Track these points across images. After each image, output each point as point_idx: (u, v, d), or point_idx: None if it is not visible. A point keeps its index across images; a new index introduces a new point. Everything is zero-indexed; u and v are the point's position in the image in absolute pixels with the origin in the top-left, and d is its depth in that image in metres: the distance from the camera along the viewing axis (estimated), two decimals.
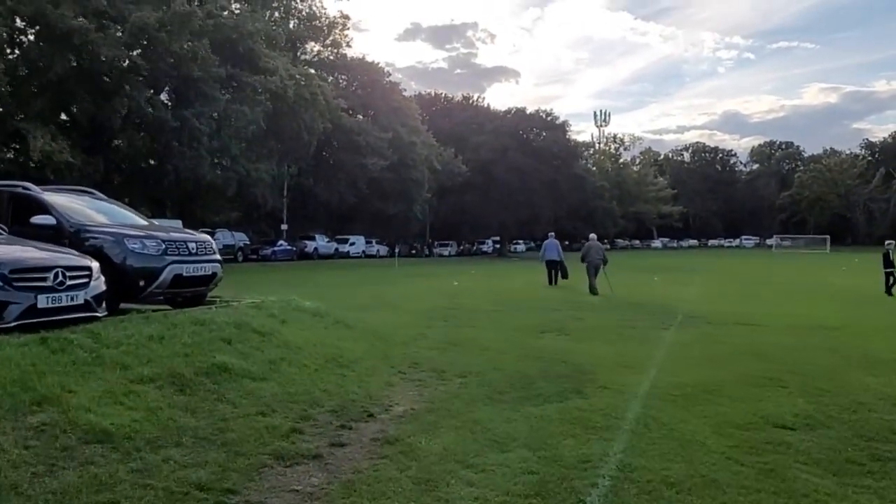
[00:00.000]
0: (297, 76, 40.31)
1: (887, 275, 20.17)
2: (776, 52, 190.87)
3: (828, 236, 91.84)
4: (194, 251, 9.04)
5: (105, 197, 10.63)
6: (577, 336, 10.75)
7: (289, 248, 47.04)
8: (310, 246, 49.61)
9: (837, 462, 4.73)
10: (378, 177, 51.62)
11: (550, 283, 22.63)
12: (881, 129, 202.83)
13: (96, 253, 7.88)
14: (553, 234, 24.60)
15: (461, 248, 73.99)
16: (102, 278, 7.31)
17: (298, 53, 51.37)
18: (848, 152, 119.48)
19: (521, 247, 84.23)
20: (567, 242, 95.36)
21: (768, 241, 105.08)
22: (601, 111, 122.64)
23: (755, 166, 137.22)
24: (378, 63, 56.69)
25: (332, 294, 18.43)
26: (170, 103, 35.45)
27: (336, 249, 52.76)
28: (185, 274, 8.79)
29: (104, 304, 7.37)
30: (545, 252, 23.36)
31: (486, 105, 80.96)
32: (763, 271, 35.98)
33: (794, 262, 53.31)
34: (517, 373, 7.68)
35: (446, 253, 68.09)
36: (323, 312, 10.07)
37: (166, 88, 36.06)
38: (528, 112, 75.37)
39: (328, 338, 8.64)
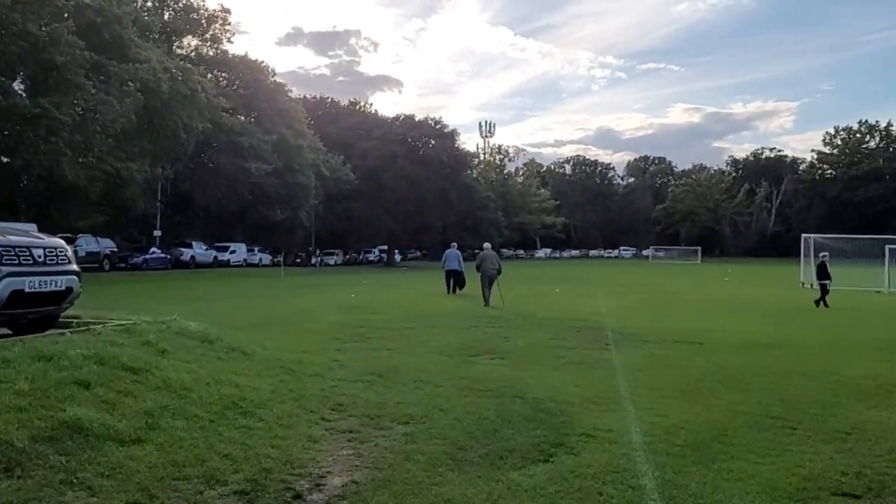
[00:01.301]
0: (174, 70, 37.10)
1: (822, 286, 20.30)
2: (645, 72, 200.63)
3: (699, 248, 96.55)
4: (41, 260, 6.89)
5: None
6: (514, 360, 9.32)
7: (162, 255, 43.29)
8: (186, 254, 45.98)
9: None
10: (262, 181, 48.69)
11: (449, 291, 22.16)
12: (738, 147, 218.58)
13: None
14: (455, 244, 24.50)
15: (347, 256, 71.64)
16: None
17: (174, 47, 47.75)
18: (715, 168, 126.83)
19: (397, 256, 79.82)
20: None
21: (645, 252, 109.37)
22: (486, 122, 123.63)
23: (631, 180, 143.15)
24: (261, 62, 53.72)
25: (217, 310, 16.19)
26: (24, 92, 31.48)
27: (215, 258, 49.27)
28: (27, 290, 6.64)
29: None
30: (446, 261, 22.74)
31: (373, 111, 79.43)
32: (654, 282, 36.29)
33: (675, 272, 54.93)
34: (470, 416, 6.12)
35: (332, 262, 65.72)
36: (213, 337, 8.09)
37: (21, 74, 31.99)
38: (416, 119, 74.39)
39: (223, 372, 6.74)
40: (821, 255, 21.92)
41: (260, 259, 56.20)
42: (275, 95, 53.03)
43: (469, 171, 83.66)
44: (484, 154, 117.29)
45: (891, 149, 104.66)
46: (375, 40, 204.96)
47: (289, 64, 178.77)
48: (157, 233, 45.41)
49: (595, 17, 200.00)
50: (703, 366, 8.94)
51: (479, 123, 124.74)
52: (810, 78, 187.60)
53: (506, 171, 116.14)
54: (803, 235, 33.83)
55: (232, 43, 51.23)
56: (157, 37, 45.80)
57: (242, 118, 50.53)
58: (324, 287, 27.35)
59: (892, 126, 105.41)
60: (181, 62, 42.27)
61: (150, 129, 37.57)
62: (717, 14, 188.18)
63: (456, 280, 22.30)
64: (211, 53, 50.37)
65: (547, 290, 27.07)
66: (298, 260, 61.22)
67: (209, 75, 50.60)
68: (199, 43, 49.81)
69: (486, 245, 21.68)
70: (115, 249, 39.77)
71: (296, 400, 6.37)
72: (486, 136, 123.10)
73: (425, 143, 73.59)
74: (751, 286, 32.54)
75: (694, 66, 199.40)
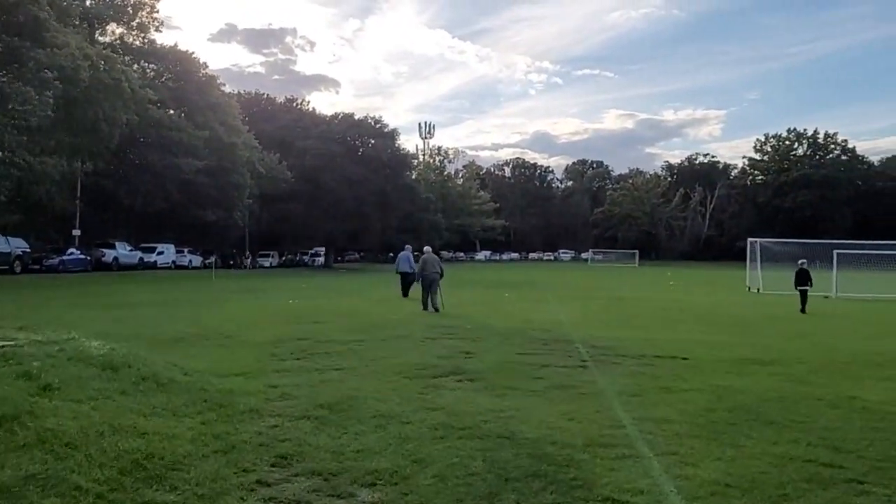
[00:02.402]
0: (95, 57, 34.45)
1: (802, 293, 20.56)
2: (581, 78, 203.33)
3: (636, 251, 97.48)
4: None
5: None
6: (486, 383, 7.94)
7: (82, 257, 40.28)
8: (108, 255, 42.92)
9: None
10: (192, 179, 46.07)
11: (405, 294, 21.60)
12: (669, 154, 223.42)
13: None
14: (409, 246, 23.62)
15: (283, 258, 68.99)
16: None
17: (97, 35, 44.67)
18: (651, 173, 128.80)
19: (320, 259, 74.73)
20: (392, 254, 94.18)
21: (583, 255, 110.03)
22: (426, 123, 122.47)
23: (570, 183, 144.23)
24: (192, 53, 50.96)
25: (137, 319, 14.33)
26: None
27: (141, 259, 46.33)
28: None
29: None
30: (399, 264, 22.39)
31: (311, 109, 77.03)
32: (602, 286, 35.61)
33: (618, 275, 54.73)
34: (455, 470, 4.71)
35: (267, 264, 63.16)
36: (119, 362, 6.48)
37: None
38: (356, 118, 72.43)
39: (128, 415, 5.15)
40: (799, 262, 22.08)
41: (190, 261, 53.38)
42: (207, 89, 50.31)
43: (409, 172, 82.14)
44: (423, 155, 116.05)
45: (817, 156, 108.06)
46: (312, 39, 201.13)
47: (222, 61, 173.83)
48: (77, 232, 42.32)
49: (532, 23, 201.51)
50: (702, 389, 7.76)
51: (419, 124, 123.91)
52: (737, 87, 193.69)
53: (446, 173, 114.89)
54: (749, 240, 33.66)
55: (160, 32, 48.29)
56: (77, 23, 42.79)
57: (172, 112, 47.70)
58: (259, 292, 25.46)
59: (819, 134, 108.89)
60: (104, 50, 39.50)
61: (68, 121, 34.84)
62: (650, 23, 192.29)
63: (408, 282, 21.72)
64: (137, 43, 47.33)
65: (496, 295, 25.87)
66: (232, 262, 58.57)
67: (135, 66, 47.77)
68: (125, 31, 46.72)
69: (427, 248, 20.57)
70: (28, 250, 36.66)
71: (224, 452, 4.83)
72: (426, 138, 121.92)
73: (365, 143, 71.74)
74: (699, 291, 32.14)
75: (627, 73, 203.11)
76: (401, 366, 8.99)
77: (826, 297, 27.01)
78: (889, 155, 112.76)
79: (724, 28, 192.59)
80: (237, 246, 63.63)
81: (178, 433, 4.99)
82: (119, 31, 46.94)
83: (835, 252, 28.09)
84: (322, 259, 71.90)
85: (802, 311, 20.06)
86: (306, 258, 73.61)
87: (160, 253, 49.79)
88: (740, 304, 23.75)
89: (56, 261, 38.09)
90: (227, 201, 50.18)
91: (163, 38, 50.26)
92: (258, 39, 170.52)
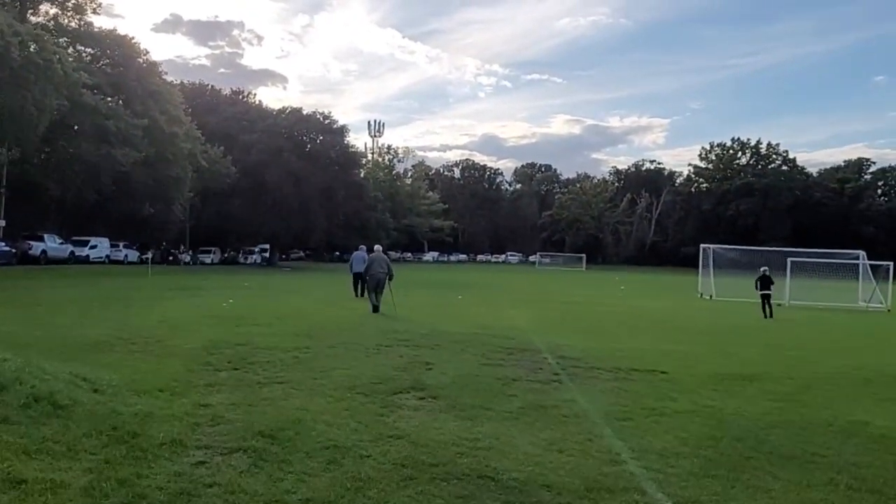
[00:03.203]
0: (24, 35, 32.22)
1: (764, 297, 21.21)
2: (529, 82, 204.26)
3: (584, 255, 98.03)
4: None
5: None
6: (451, 401, 6.91)
7: (6, 249, 37.72)
8: (35, 247, 40.33)
9: None
10: (129, 171, 43.71)
11: (357, 295, 20.84)
12: (615, 160, 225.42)
13: None
14: (363, 247, 22.73)
15: (225, 255, 66.56)
16: None
17: (28, 15, 42.01)
18: (599, 178, 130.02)
19: (253, 257, 70.06)
20: (338, 253, 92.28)
21: (531, 258, 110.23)
22: (375, 121, 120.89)
23: (518, 186, 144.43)
24: (132, 38, 48.50)
25: (54, 319, 12.85)
26: None
27: (72, 253, 43.76)
28: None
29: None
30: (353, 264, 21.80)
31: (258, 102, 74.76)
32: (554, 289, 35.02)
33: (567, 279, 54.48)
34: None
35: (209, 261, 60.89)
36: (8, 377, 5.23)
37: None
38: (304, 113, 70.56)
39: (2, 454, 3.94)
40: (762, 269, 22.64)
41: (126, 256, 50.84)
42: (147, 76, 47.93)
43: (358, 170, 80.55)
44: (372, 154, 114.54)
45: (759, 166, 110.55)
46: (260, 33, 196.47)
47: (166, 52, 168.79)
48: (1, 223, 39.68)
49: (482, 26, 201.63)
50: (694, 411, 6.90)
51: (368, 122, 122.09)
52: (681, 97, 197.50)
53: (395, 172, 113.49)
54: (702, 246, 33.53)
55: (98, 14, 45.82)
56: (7, 1, 40.23)
57: (109, 99, 45.18)
58: (197, 290, 23.88)
59: (761, 144, 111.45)
60: (34, 29, 37.10)
61: None
62: (598, 30, 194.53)
63: (360, 283, 20.94)
64: (73, 25, 44.76)
65: (449, 297, 24.90)
66: (171, 258, 56.17)
67: (70, 49, 45.20)
68: (59, 12, 44.11)
69: (377, 247, 19.58)
70: None
71: None
72: (375, 136, 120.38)
73: (313, 139, 69.92)
74: (652, 297, 31.77)
75: (575, 79, 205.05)
76: (354, 379, 7.89)
77: (779, 304, 26.87)
78: (826, 167, 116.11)
79: (669, 38, 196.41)
80: (177, 241, 61.14)
81: (67, 480, 3.82)
82: (53, 11, 44.31)
83: (788, 260, 28.01)
84: (257, 257, 69.26)
85: (769, 316, 20.64)
86: (241, 256, 70.38)
87: (93, 247, 47.26)
88: (697, 310, 23.32)
89: None
90: (166, 195, 47.90)
91: (101, 22, 47.80)
92: (204, 31, 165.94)
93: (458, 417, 6.25)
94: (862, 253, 30.74)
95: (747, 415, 6.77)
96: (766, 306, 21.07)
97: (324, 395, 6.94)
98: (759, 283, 21.84)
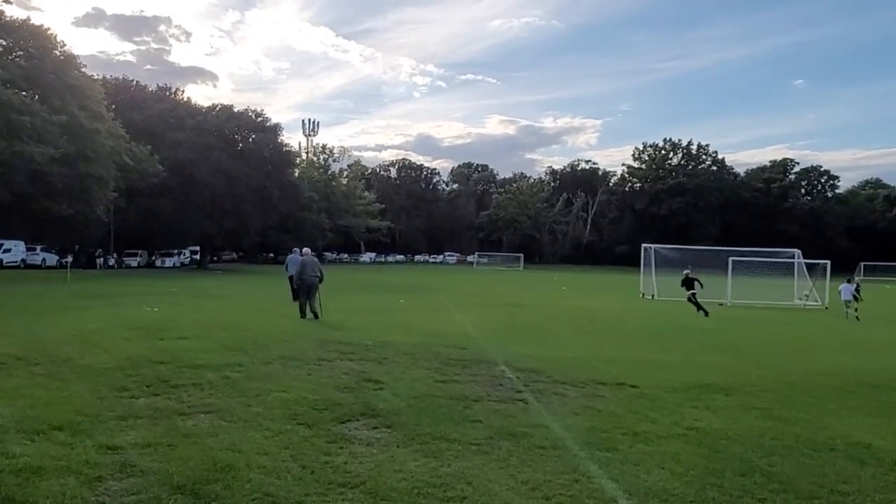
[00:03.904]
0: None
1: (692, 296, 22.32)
2: (464, 83, 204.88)
3: (521, 255, 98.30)
4: None
5: None
6: (409, 431, 6.00)
7: None
8: None
9: None
10: (45, 170, 41.06)
11: (295, 298, 19.14)
12: (549, 160, 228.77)
13: None
14: (298, 249, 21.64)
15: (153, 258, 63.61)
16: None
17: None
18: (535, 178, 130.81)
19: (171, 260, 65.41)
20: (272, 255, 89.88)
21: (469, 258, 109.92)
22: (310, 120, 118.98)
23: (455, 186, 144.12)
24: (48, 29, 45.61)
25: None
26: None
27: None
28: None
29: None
30: (289, 266, 21.15)
31: (186, 99, 71.93)
32: (496, 291, 34.41)
33: (507, 279, 54.16)
34: None
35: (135, 264, 58.20)
36: None
37: None
38: (235, 110, 68.29)
39: None
40: (685, 270, 23.71)
41: (43, 259, 48.09)
42: (64, 69, 45.15)
43: (292, 170, 78.55)
44: (307, 153, 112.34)
45: (690, 166, 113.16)
46: (188, 29, 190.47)
47: (88, 47, 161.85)
48: None
49: (416, 26, 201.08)
50: (680, 434, 6.18)
51: (302, 121, 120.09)
52: (612, 98, 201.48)
53: (330, 172, 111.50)
54: (643, 245, 33.47)
55: (10, 3, 42.90)
56: None
57: (24, 94, 42.29)
58: (119, 297, 22.23)
59: (692, 145, 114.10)
60: None
61: None
62: (530, 32, 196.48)
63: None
64: None
65: (390, 301, 23.93)
66: (96, 261, 53.30)
67: None
68: None
69: (306, 250, 18.81)
70: None
71: None
72: (310, 135, 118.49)
73: (245, 137, 67.78)
74: (596, 297, 31.51)
75: (509, 80, 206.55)
76: (293, 403, 6.89)
77: (721, 303, 26.94)
78: (750, 167, 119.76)
79: (600, 42, 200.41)
80: (101, 244, 58.12)
81: None
82: None
83: (730, 259, 28.12)
84: (176, 260, 65.88)
85: (704, 314, 21.14)
86: (157, 259, 66.13)
87: (7, 250, 44.52)
88: (643, 311, 22.99)
89: None
90: (87, 194, 45.25)
91: (15, 13, 44.81)
92: (129, 26, 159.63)
93: (419, 453, 5.35)
94: (797, 251, 31.23)
95: (739, 439, 6.08)
96: (696, 304, 22.15)
97: (259, 427, 5.93)
98: (684, 284, 23.08)
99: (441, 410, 6.80)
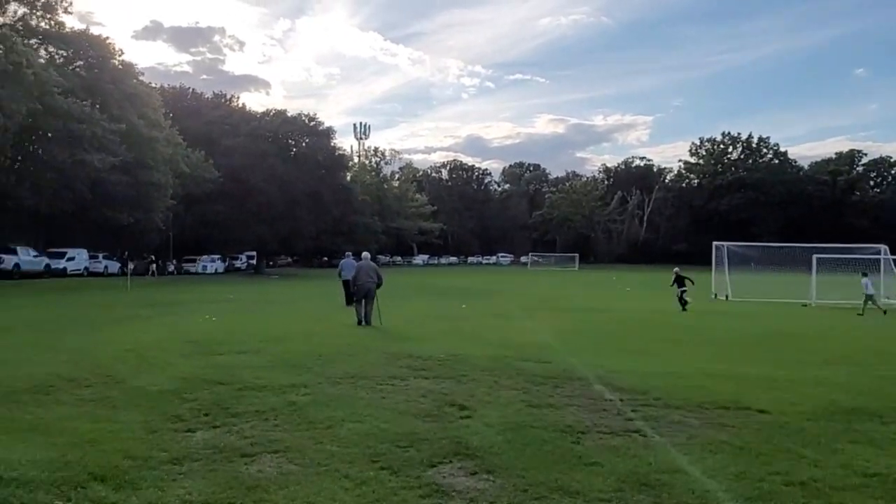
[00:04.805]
0: None
1: (681, 294, 23.12)
2: (513, 83, 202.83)
3: (576, 255, 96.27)
4: None
5: None
6: (516, 478, 4.93)
7: None
8: (7, 261, 37.96)
9: None
10: (106, 178, 41.44)
11: (348, 303, 19.04)
12: (599, 158, 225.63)
13: None
14: (350, 253, 21.79)
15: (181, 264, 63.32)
16: None
17: None
18: (588, 176, 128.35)
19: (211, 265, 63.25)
20: (326, 258, 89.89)
21: (522, 259, 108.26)
22: (361, 124, 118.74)
23: (507, 186, 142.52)
24: (107, 38, 46.15)
25: (0, 352, 10.77)
26: None
27: (47, 266, 41.46)
28: None
29: None
30: (343, 271, 20.52)
31: (241, 105, 72.47)
32: (560, 295, 33.12)
33: (565, 280, 52.69)
34: None
35: (194, 269, 58.20)
36: None
37: None
38: (289, 115, 68.37)
39: None
40: (675, 269, 24.75)
41: (106, 267, 48.57)
42: (123, 78, 45.63)
43: (345, 173, 78.41)
44: (359, 157, 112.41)
45: (751, 160, 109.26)
46: (241, 39, 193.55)
47: (147, 59, 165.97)
48: None
49: (464, 27, 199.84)
50: (863, 487, 4.94)
51: (354, 125, 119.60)
52: (663, 94, 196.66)
53: (381, 175, 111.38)
54: (714, 244, 31.69)
55: (69, 14, 43.44)
56: None
57: (84, 103, 42.67)
58: (177, 305, 21.78)
59: (753, 138, 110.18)
60: (2, 29, 34.86)
61: None
62: (579, 30, 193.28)
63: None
64: (43, 25, 42.36)
65: (451, 306, 22.96)
66: (155, 267, 53.72)
67: (42, 51, 42.89)
68: (28, 12, 41.71)
69: (364, 254, 17.84)
70: None
71: None
72: (361, 139, 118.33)
73: (298, 142, 67.77)
74: (664, 299, 29.92)
75: (558, 78, 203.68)
76: (372, 438, 5.92)
77: (805, 304, 25.17)
78: (811, 160, 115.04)
79: (650, 37, 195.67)
80: (159, 250, 58.68)
81: None
82: (21, 11, 41.89)
83: (814, 257, 26.25)
84: (212, 265, 61.60)
85: (682, 307, 22.58)
86: (237, 262, 67.95)
87: (71, 258, 44.95)
88: (724, 314, 21.46)
89: None
90: (147, 202, 45.60)
91: (74, 23, 45.39)
92: (185, 38, 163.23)
93: None
94: (884, 248, 29.06)
95: None
96: (681, 301, 22.95)
97: (336, 473, 4.95)
98: (675, 282, 23.69)
99: (546, 448, 5.72)
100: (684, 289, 23.26)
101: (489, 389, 8.29)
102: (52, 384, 8.07)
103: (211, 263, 61.02)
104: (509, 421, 6.63)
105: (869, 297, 22.11)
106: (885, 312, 21.85)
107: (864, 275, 22.97)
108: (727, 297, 28.93)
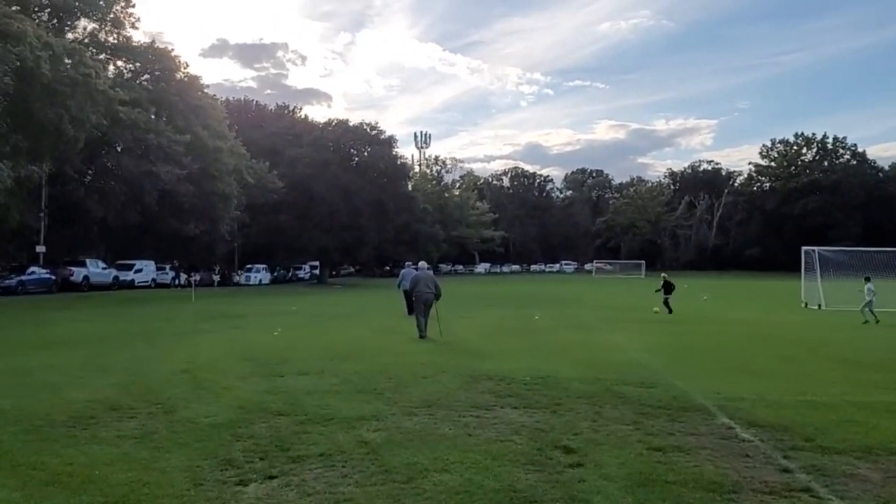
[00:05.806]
0: (57, 48, 30.23)
1: (666, 301, 23.77)
2: (572, 89, 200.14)
3: (643, 261, 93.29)
4: None
5: None
6: None
7: (46, 276, 35.88)
8: (77, 273, 38.45)
9: None
10: (173, 189, 41.68)
11: (410, 312, 18.75)
12: (661, 163, 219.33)
13: None
14: (410, 262, 22.01)
15: (275, 274, 63.64)
16: None
17: (67, 31, 40.33)
18: (653, 182, 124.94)
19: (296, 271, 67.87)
20: (388, 267, 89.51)
21: (587, 266, 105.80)
22: (422, 133, 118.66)
23: (569, 193, 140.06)
24: (172, 51, 46.57)
25: (44, 369, 10.03)
26: None
27: (116, 278, 41.85)
28: None
29: None
30: (403, 281, 20.66)
31: (303, 116, 72.74)
32: (634, 305, 31.33)
33: (635, 288, 50.53)
34: None
35: (261, 280, 57.70)
36: None
37: None
38: (350, 124, 68.19)
39: None
40: (662, 274, 26.19)
41: (172, 278, 48.90)
42: (188, 90, 45.98)
43: (407, 182, 77.88)
44: (420, 165, 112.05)
45: (826, 162, 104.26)
46: (303, 53, 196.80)
47: (214, 76, 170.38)
48: (41, 249, 37.92)
49: (522, 35, 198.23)
50: None
51: (415, 134, 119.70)
52: (727, 97, 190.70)
53: (443, 183, 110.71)
54: (804, 249, 29.48)
55: (136, 28, 44.00)
56: (42, 16, 38.61)
57: (152, 115, 43.04)
58: (239, 318, 21.09)
59: (828, 139, 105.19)
60: (72, 43, 35.28)
61: (24, 121, 30.60)
62: (639, 34, 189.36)
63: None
64: (112, 40, 42.98)
65: (524, 317, 21.63)
66: (220, 278, 53.91)
67: (111, 65, 43.54)
68: (97, 27, 42.36)
69: (422, 263, 17.10)
70: None
71: None
72: (422, 147, 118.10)
73: (360, 151, 67.54)
74: (749, 308, 27.94)
75: (618, 83, 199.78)
76: (463, 498, 4.68)
77: None
78: (892, 160, 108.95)
79: (712, 39, 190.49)
80: (226, 261, 59.00)
81: None
82: (91, 26, 42.59)
83: None
84: (258, 275, 58.14)
85: (668, 310, 23.28)
86: (300, 272, 68.10)
87: (138, 270, 45.41)
88: (825, 326, 19.52)
89: (14, 281, 33.75)
90: (212, 212, 45.75)
91: (140, 37, 45.93)
92: (250, 54, 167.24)
93: None
94: None
95: None
96: (667, 306, 23.55)
97: None
98: (662, 287, 24.35)
99: None
100: (668, 296, 24.01)
101: (593, 423, 6.97)
102: (92, 415, 7.14)
103: (255, 274, 57.61)
104: (633, 471, 5.30)
105: (866, 304, 20.76)
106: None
107: (867, 279, 21.76)
108: (819, 306, 26.76)
